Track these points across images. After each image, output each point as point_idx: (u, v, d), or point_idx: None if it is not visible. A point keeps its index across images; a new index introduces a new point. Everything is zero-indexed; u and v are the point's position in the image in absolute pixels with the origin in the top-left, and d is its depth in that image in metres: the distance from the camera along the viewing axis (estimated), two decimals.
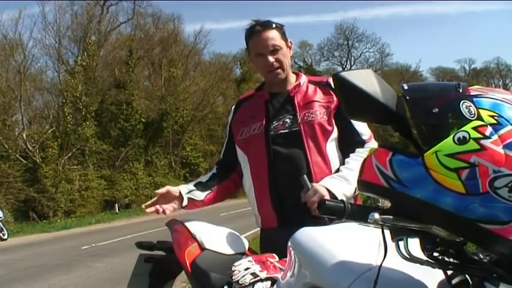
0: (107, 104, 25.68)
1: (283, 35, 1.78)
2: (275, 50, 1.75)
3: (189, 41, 33.17)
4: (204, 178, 1.91)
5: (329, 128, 1.74)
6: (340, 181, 1.61)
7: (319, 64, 45.02)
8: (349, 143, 1.73)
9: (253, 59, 1.82)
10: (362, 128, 1.75)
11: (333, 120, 1.74)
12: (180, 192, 1.77)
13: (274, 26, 1.77)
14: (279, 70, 1.77)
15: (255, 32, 1.76)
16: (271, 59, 1.74)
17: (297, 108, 1.77)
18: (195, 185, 1.85)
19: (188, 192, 1.79)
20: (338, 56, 45.83)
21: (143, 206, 1.75)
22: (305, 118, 1.75)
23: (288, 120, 1.77)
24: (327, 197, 1.52)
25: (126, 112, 25.55)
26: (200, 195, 1.82)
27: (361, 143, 1.73)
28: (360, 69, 0.94)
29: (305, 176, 1.44)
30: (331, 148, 1.75)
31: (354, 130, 1.73)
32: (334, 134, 1.75)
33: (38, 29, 38.36)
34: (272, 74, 1.78)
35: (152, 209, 1.72)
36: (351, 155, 1.70)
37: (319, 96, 1.78)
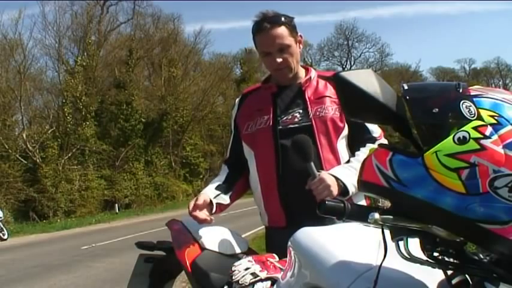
0: (107, 104, 25.69)
1: (292, 31, 1.70)
2: (282, 49, 1.68)
3: (189, 41, 33.21)
4: (220, 179, 1.83)
5: (341, 124, 1.70)
6: (350, 171, 1.57)
7: (319, 64, 44.97)
8: (359, 140, 1.70)
9: (260, 56, 1.77)
10: (372, 125, 1.70)
11: (344, 117, 1.70)
12: (210, 199, 1.72)
13: (282, 20, 1.68)
14: (286, 70, 1.72)
15: (262, 29, 1.68)
16: (278, 59, 1.68)
17: (308, 103, 1.71)
18: (217, 188, 1.79)
19: (215, 197, 1.75)
20: (338, 56, 45.84)
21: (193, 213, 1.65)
22: (317, 113, 1.69)
23: (298, 114, 1.71)
24: (334, 186, 1.49)
25: (126, 112, 25.55)
26: (226, 199, 1.78)
27: (372, 141, 1.68)
28: (360, 69, 0.93)
29: (312, 164, 1.42)
30: (342, 145, 1.71)
31: (364, 127, 1.69)
32: (345, 131, 1.71)
33: (38, 29, 38.59)
34: (279, 73, 1.73)
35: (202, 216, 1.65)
36: (361, 148, 1.67)
37: (330, 91, 1.72)
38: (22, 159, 20.68)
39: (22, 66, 22.13)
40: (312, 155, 1.44)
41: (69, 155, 22.24)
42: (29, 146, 20.76)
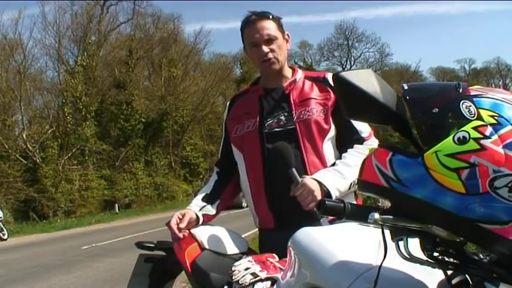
0: (107, 104, 25.71)
1: (280, 27, 1.72)
2: (270, 40, 1.68)
3: (189, 41, 33.23)
4: (208, 188, 1.84)
5: (326, 126, 1.68)
6: (334, 174, 1.56)
7: (319, 64, 45.02)
8: (347, 141, 1.67)
9: (248, 50, 1.75)
10: (361, 125, 1.68)
11: (330, 118, 1.68)
12: (196, 214, 1.74)
13: (270, 16, 1.70)
14: (274, 60, 1.69)
15: (250, 21, 1.70)
16: (265, 48, 1.67)
17: (293, 106, 1.70)
18: (203, 200, 1.80)
19: (201, 210, 1.76)
20: (338, 56, 45.89)
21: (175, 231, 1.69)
22: (301, 116, 1.68)
23: (282, 117, 1.71)
24: (318, 191, 1.47)
25: (126, 112, 25.57)
26: (212, 210, 1.79)
27: (360, 141, 1.66)
28: (360, 69, 0.93)
29: (294, 170, 1.42)
30: (328, 147, 1.69)
31: (352, 128, 1.67)
32: (331, 132, 1.69)
33: (38, 29, 38.64)
34: (266, 64, 1.70)
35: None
36: (348, 150, 1.65)
37: (315, 93, 1.71)
38: (22, 159, 20.68)
39: (22, 66, 22.15)
40: (293, 161, 1.43)
41: (69, 155, 22.25)
42: (29, 146, 20.76)
